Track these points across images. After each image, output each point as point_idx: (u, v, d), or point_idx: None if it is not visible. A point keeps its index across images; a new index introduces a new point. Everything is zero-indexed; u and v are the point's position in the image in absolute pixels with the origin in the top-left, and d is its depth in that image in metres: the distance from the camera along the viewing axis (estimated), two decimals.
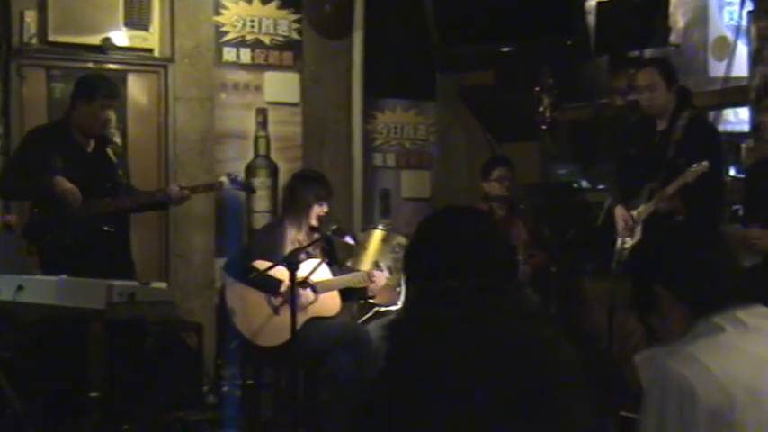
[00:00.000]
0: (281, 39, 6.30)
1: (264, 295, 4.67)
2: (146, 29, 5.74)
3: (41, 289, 4.12)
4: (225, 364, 5.20)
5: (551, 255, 5.30)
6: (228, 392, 5.13)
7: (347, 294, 4.87)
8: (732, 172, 5.41)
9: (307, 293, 4.67)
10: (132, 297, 3.98)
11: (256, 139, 6.22)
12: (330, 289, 4.76)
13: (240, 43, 6.16)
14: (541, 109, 5.63)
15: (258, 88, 6.23)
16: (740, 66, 5.31)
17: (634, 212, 4.75)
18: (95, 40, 5.58)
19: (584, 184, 6.33)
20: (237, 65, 6.16)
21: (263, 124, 6.23)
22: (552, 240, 5.28)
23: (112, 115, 5.15)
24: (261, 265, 4.60)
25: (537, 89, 5.65)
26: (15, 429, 4.24)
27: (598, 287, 5.56)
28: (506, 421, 1.70)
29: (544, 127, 5.69)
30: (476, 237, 1.90)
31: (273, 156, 6.27)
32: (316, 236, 4.78)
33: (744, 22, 5.26)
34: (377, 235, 5.17)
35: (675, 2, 5.65)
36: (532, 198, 5.50)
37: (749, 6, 5.16)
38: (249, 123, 6.21)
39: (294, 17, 6.34)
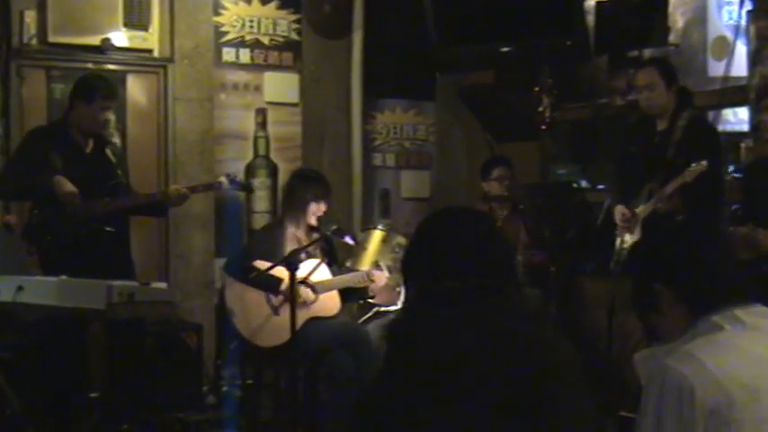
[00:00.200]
0: (280, 39, 6.30)
1: (264, 295, 4.67)
2: (145, 29, 5.74)
3: (41, 289, 4.12)
4: (224, 364, 5.20)
5: (551, 255, 5.30)
6: (228, 393, 5.13)
7: (347, 294, 4.87)
8: (732, 172, 5.40)
9: (307, 292, 4.67)
10: (132, 297, 3.99)
11: (256, 139, 6.22)
12: (330, 289, 4.76)
13: (240, 43, 6.16)
14: (541, 109, 5.64)
15: (258, 88, 6.23)
16: (739, 65, 5.31)
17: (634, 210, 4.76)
18: (95, 40, 5.58)
19: (584, 184, 6.34)
20: (237, 65, 6.16)
21: (262, 124, 6.23)
22: (552, 240, 5.28)
23: (111, 116, 5.15)
24: (261, 265, 4.60)
25: (537, 89, 5.65)
26: (15, 430, 4.24)
27: (598, 287, 5.56)
28: (506, 421, 1.69)
29: (544, 127, 5.69)
30: (475, 237, 1.90)
31: (273, 156, 6.27)
32: (315, 236, 4.79)
33: (743, 22, 5.26)
34: (376, 235, 5.17)
35: (675, 2, 5.65)
36: (532, 198, 5.50)
37: (748, 6, 5.16)
38: (249, 123, 6.21)
39: (293, 17, 6.34)
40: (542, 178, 6.00)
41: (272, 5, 6.27)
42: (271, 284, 4.60)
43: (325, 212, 4.83)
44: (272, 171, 6.26)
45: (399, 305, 4.98)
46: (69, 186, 4.59)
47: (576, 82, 6.10)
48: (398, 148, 6.88)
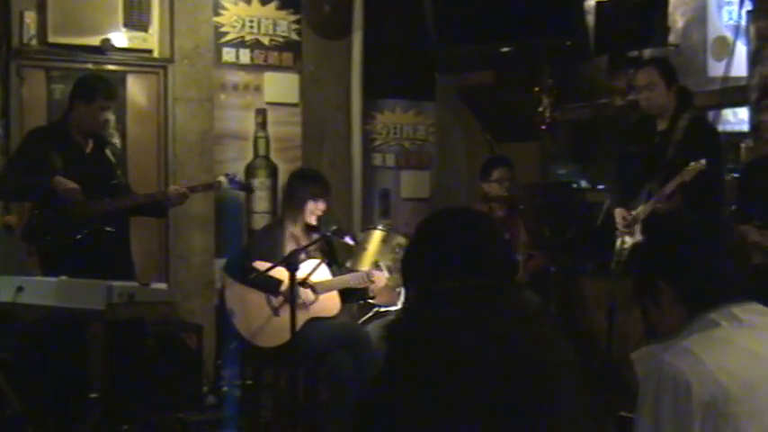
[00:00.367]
0: (280, 39, 6.30)
1: (264, 296, 4.67)
2: (145, 30, 5.74)
3: (41, 290, 4.12)
4: (224, 364, 5.20)
5: (551, 255, 5.30)
6: (228, 393, 5.13)
7: (347, 295, 4.87)
8: (731, 172, 5.40)
9: (307, 293, 4.67)
10: (132, 298, 3.99)
11: (256, 139, 6.22)
12: (330, 289, 4.76)
13: (239, 44, 6.16)
14: (541, 109, 5.65)
15: (257, 89, 6.23)
16: (739, 66, 5.31)
17: (633, 213, 4.76)
18: (95, 40, 5.58)
19: (584, 184, 6.34)
20: (237, 65, 6.16)
21: (262, 125, 6.23)
22: (552, 240, 5.28)
23: (111, 116, 5.15)
24: (261, 265, 4.61)
25: (536, 89, 5.66)
26: (15, 430, 4.24)
27: (598, 287, 5.57)
28: (506, 421, 1.70)
29: (544, 127, 5.70)
30: (475, 237, 1.90)
31: (273, 156, 6.27)
32: (315, 236, 4.79)
33: (743, 22, 5.26)
34: (376, 235, 5.17)
35: (675, 2, 5.65)
36: (532, 198, 5.50)
37: (748, 6, 5.17)
38: (249, 124, 6.21)
39: (293, 18, 6.34)
40: (542, 178, 6.00)
41: (272, 6, 6.27)
42: (270, 286, 4.60)
43: (324, 212, 4.83)
44: (272, 171, 6.26)
45: (399, 305, 4.98)
46: (70, 183, 4.59)
47: (576, 82, 6.10)
48: (398, 149, 6.88)
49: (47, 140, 4.75)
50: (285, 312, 4.43)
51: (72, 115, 4.80)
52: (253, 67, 6.21)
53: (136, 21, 5.70)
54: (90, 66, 5.62)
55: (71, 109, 4.82)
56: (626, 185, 4.90)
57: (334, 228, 4.77)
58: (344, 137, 6.53)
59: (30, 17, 5.42)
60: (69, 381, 4.68)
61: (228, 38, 6.13)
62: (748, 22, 5.08)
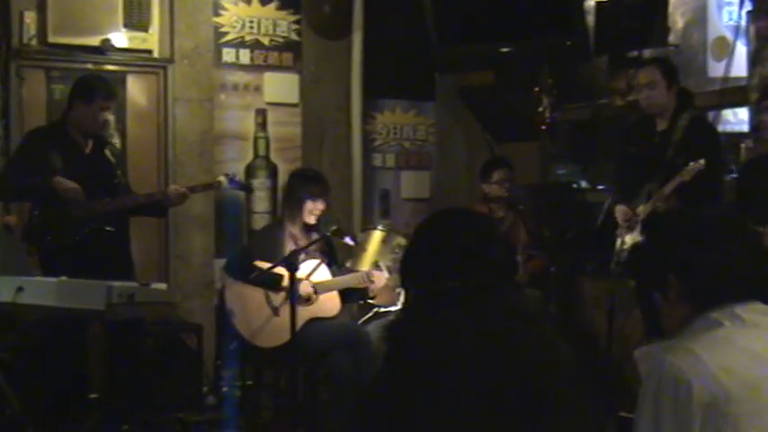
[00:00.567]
0: (280, 39, 6.30)
1: (264, 296, 4.67)
2: (145, 30, 5.74)
3: (41, 290, 4.12)
4: (224, 364, 5.20)
5: (551, 255, 5.30)
6: (228, 393, 5.13)
7: (347, 295, 4.87)
8: (731, 172, 5.40)
9: (306, 285, 4.67)
10: (132, 298, 3.99)
11: (256, 139, 6.22)
12: (330, 290, 4.77)
13: (239, 44, 6.16)
14: (541, 109, 5.64)
15: (257, 89, 6.23)
16: (739, 66, 5.31)
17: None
18: (95, 41, 5.58)
19: (584, 184, 6.33)
20: (237, 65, 6.16)
21: (262, 125, 6.23)
22: (552, 241, 5.28)
23: (111, 116, 5.15)
24: (261, 265, 4.61)
25: (536, 89, 5.65)
26: (15, 430, 4.24)
27: (598, 287, 5.57)
28: (506, 422, 1.70)
29: (544, 127, 5.69)
30: (475, 237, 1.90)
31: (273, 156, 6.27)
32: (315, 236, 4.79)
33: (743, 23, 5.26)
34: (376, 235, 5.17)
35: (674, 2, 5.65)
36: (532, 198, 5.50)
37: (748, 6, 5.17)
38: (248, 124, 6.21)
39: (293, 18, 6.34)
40: (542, 178, 6.00)
41: (272, 6, 6.27)
42: (272, 281, 4.60)
43: (323, 212, 4.83)
44: (272, 172, 6.26)
45: (399, 306, 4.98)
46: (70, 183, 4.59)
47: (575, 82, 6.10)
48: (398, 149, 6.88)
49: (46, 141, 4.75)
50: (285, 312, 4.43)
51: (71, 115, 4.80)
52: (253, 68, 6.21)
53: (136, 21, 5.69)
54: (90, 66, 5.62)
55: (71, 109, 4.82)
56: (626, 185, 4.90)
57: (334, 228, 4.77)
58: (344, 137, 6.53)
59: (30, 17, 5.42)
60: (69, 381, 4.68)
61: (228, 38, 6.13)
62: (748, 22, 5.08)
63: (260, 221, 6.15)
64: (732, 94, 5.31)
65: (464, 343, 1.75)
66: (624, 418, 4.42)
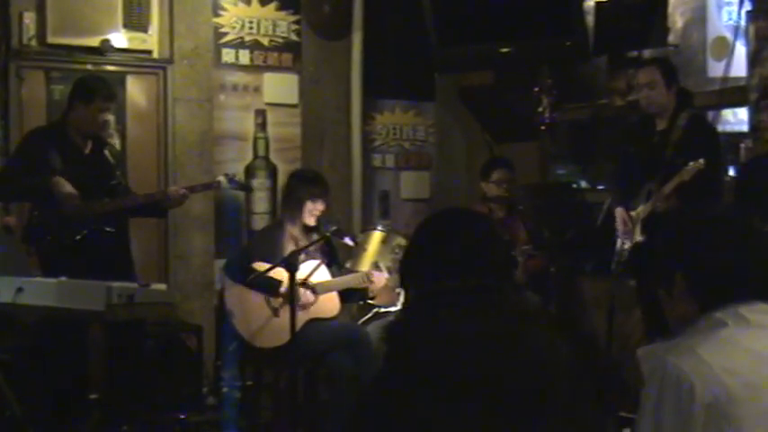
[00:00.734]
0: (279, 40, 6.30)
1: (264, 297, 4.67)
2: (145, 30, 5.74)
3: (41, 291, 4.12)
4: (224, 365, 5.20)
5: (551, 255, 5.30)
6: (228, 394, 5.12)
7: (347, 295, 4.87)
8: (731, 172, 5.40)
9: (306, 294, 4.67)
10: (132, 299, 3.99)
11: (255, 140, 6.22)
12: (329, 290, 4.76)
13: (239, 44, 6.16)
14: (541, 109, 5.64)
15: (257, 89, 6.22)
16: (739, 66, 5.31)
17: (633, 213, 4.76)
18: (94, 41, 5.58)
19: (584, 184, 6.34)
20: (236, 66, 6.16)
21: (262, 125, 6.23)
22: (551, 241, 5.28)
23: (110, 117, 5.15)
24: (260, 266, 4.61)
25: (536, 89, 5.66)
26: (15, 431, 4.24)
27: (598, 288, 5.57)
28: (506, 422, 1.69)
29: (543, 127, 5.69)
30: (474, 237, 1.90)
31: (272, 157, 6.27)
32: (315, 237, 4.79)
33: (742, 23, 5.26)
34: (376, 236, 5.17)
35: (674, 2, 5.65)
36: (532, 198, 5.50)
37: (748, 6, 5.16)
38: (248, 124, 6.21)
39: (293, 18, 6.34)
40: (542, 179, 6.00)
41: (272, 6, 6.27)
42: (270, 286, 4.60)
43: (323, 213, 4.83)
44: (272, 172, 6.26)
45: (399, 306, 4.98)
46: (69, 188, 4.59)
47: (575, 82, 6.10)
48: (398, 149, 6.87)
49: (46, 141, 4.75)
50: (285, 313, 4.43)
51: (71, 116, 4.80)
52: (252, 68, 6.21)
53: (135, 21, 5.69)
54: (89, 66, 5.62)
55: (70, 110, 4.82)
56: (626, 185, 4.91)
57: (334, 228, 4.77)
58: (344, 137, 6.53)
59: (29, 18, 5.42)
60: (69, 381, 4.68)
61: (228, 38, 6.13)
62: (748, 22, 5.08)
63: (260, 222, 6.14)
64: (732, 94, 5.31)
65: (464, 343, 1.75)
66: (624, 418, 4.42)
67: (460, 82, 6.84)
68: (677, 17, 5.74)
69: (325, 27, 6.45)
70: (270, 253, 4.66)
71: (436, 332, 1.77)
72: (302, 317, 4.57)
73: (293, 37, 6.34)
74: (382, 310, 5.11)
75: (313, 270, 4.73)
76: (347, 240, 4.89)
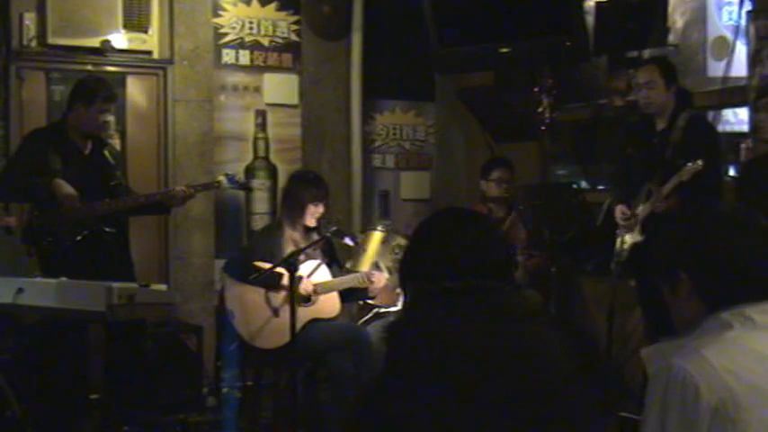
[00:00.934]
0: (279, 40, 6.30)
1: (264, 297, 4.67)
2: (145, 31, 5.74)
3: (41, 291, 4.12)
4: (224, 365, 5.20)
5: (551, 255, 5.30)
6: (228, 394, 5.13)
7: (347, 296, 4.87)
8: (731, 172, 5.40)
9: (306, 285, 4.67)
10: (132, 299, 3.98)
11: (255, 140, 6.22)
12: (330, 290, 4.76)
13: (239, 45, 6.16)
14: (541, 109, 5.64)
15: (257, 90, 6.23)
16: (739, 66, 5.30)
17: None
18: (95, 42, 5.58)
19: (584, 184, 6.33)
20: (236, 66, 6.16)
21: (262, 126, 6.23)
22: (552, 241, 5.28)
23: (111, 117, 5.15)
24: (261, 266, 4.61)
25: (536, 90, 5.65)
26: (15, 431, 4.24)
27: (598, 287, 5.57)
28: (507, 422, 1.69)
29: (543, 127, 5.69)
30: (474, 238, 1.90)
31: (273, 157, 6.27)
32: (315, 237, 4.79)
33: (743, 22, 5.26)
34: (376, 236, 5.17)
35: (674, 2, 5.65)
36: (532, 198, 5.50)
37: (748, 6, 5.16)
38: (248, 125, 6.21)
39: (293, 19, 6.34)
40: (542, 179, 6.00)
41: (272, 7, 6.27)
42: (272, 281, 4.60)
43: (323, 214, 4.83)
44: (272, 172, 6.26)
45: (399, 306, 4.98)
46: (68, 189, 4.59)
47: (575, 82, 6.09)
48: (398, 150, 6.87)
49: (46, 142, 4.76)
50: (285, 313, 4.43)
51: (71, 117, 4.80)
52: (252, 69, 6.21)
53: (135, 22, 5.69)
54: (90, 67, 5.62)
55: (70, 111, 4.82)
56: (626, 185, 4.91)
57: (334, 229, 4.77)
58: (344, 138, 6.53)
59: (29, 19, 5.42)
60: (69, 382, 4.67)
61: (228, 39, 6.13)
62: (748, 22, 5.07)
63: (260, 222, 6.14)
64: (732, 93, 5.31)
65: (464, 343, 1.75)
66: (624, 418, 4.42)
67: (460, 82, 6.84)
68: (677, 17, 5.73)
69: (325, 27, 6.45)
70: (269, 253, 4.66)
71: (436, 333, 1.77)
72: (302, 317, 4.57)
73: (293, 37, 6.34)
74: (382, 310, 5.11)
75: (313, 270, 4.73)
76: (347, 241, 4.89)
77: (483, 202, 5.64)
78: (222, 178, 5.12)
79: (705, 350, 1.80)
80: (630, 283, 5.07)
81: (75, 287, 4.08)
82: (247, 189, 5.84)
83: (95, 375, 4.57)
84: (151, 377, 5.14)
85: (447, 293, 1.82)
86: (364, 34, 6.45)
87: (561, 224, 5.25)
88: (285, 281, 4.49)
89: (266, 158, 6.25)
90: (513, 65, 5.99)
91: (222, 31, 6.11)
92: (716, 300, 1.88)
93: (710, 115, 5.53)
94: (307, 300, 4.69)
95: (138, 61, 5.81)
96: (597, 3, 5.68)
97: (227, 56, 6.13)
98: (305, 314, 4.64)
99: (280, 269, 4.50)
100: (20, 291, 4.08)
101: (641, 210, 4.71)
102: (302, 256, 4.65)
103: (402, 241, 5.05)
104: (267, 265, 4.54)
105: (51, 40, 5.48)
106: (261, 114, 6.23)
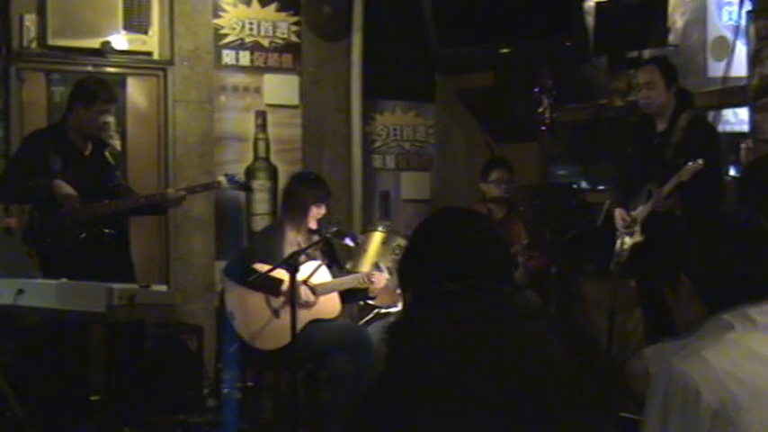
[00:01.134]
0: (280, 41, 6.30)
1: (264, 298, 4.67)
2: (145, 32, 5.74)
3: (41, 292, 4.12)
4: (225, 366, 5.20)
5: (551, 255, 5.30)
6: (228, 395, 5.12)
7: (347, 296, 4.87)
8: (732, 172, 5.40)
9: (307, 292, 4.67)
10: (132, 300, 3.98)
11: (256, 141, 6.22)
12: (330, 291, 4.76)
13: (239, 46, 6.16)
14: (541, 110, 5.64)
15: (257, 91, 6.23)
16: (739, 66, 5.30)
17: (633, 213, 4.76)
18: (95, 43, 5.58)
19: (584, 185, 6.33)
20: (237, 67, 6.16)
21: (262, 126, 6.23)
22: (552, 241, 5.28)
23: (111, 118, 5.15)
24: (261, 268, 4.61)
25: (536, 90, 5.65)
26: None
27: (598, 288, 5.57)
28: (507, 422, 1.69)
29: (544, 128, 5.69)
30: (474, 238, 1.90)
31: (273, 158, 6.27)
32: (315, 238, 4.79)
33: (743, 22, 5.26)
34: (377, 237, 5.17)
35: (674, 2, 5.65)
36: (532, 199, 5.50)
37: (748, 6, 5.16)
38: (248, 126, 6.21)
39: (293, 19, 6.34)
40: (542, 179, 6.00)
41: (272, 7, 6.27)
42: (271, 286, 4.60)
43: (324, 215, 4.83)
44: (272, 173, 6.26)
45: (400, 307, 4.98)
46: (69, 189, 4.59)
47: (575, 83, 6.10)
48: (398, 150, 6.87)
49: (46, 143, 4.76)
50: (285, 314, 4.43)
51: (71, 118, 4.80)
52: (252, 69, 6.21)
53: (136, 23, 5.69)
54: (90, 68, 5.62)
55: (70, 112, 4.82)
56: (626, 186, 4.91)
57: (335, 229, 4.77)
58: (344, 138, 6.53)
59: (29, 20, 5.42)
60: (70, 383, 4.68)
61: (228, 40, 6.13)
62: (748, 22, 5.07)
63: (260, 223, 6.14)
64: (732, 94, 5.31)
65: (464, 344, 1.74)
66: (624, 418, 4.42)
67: (460, 83, 6.84)
68: (677, 17, 5.73)
69: (326, 28, 6.45)
70: (270, 254, 4.66)
71: (437, 333, 1.77)
72: (303, 318, 4.57)
73: (293, 38, 6.34)
74: (383, 310, 5.11)
75: (314, 271, 4.73)
76: (348, 241, 4.89)
77: (483, 203, 5.64)
78: (222, 179, 5.12)
79: (706, 352, 1.80)
80: (631, 284, 5.07)
81: (75, 288, 4.08)
82: (248, 190, 5.85)
83: (96, 376, 4.57)
84: (151, 378, 5.13)
85: (447, 294, 1.82)
86: (364, 35, 6.45)
87: (561, 225, 5.25)
88: (284, 287, 4.50)
89: (266, 159, 6.25)
90: (514, 65, 5.99)
91: (222, 31, 6.11)
92: (717, 301, 1.88)
93: (710, 115, 5.52)
94: (306, 305, 4.68)
95: (139, 62, 5.81)
96: (597, 3, 5.68)
97: (228, 57, 6.13)
98: (305, 315, 4.64)
99: (279, 273, 4.49)
100: (20, 292, 4.08)
101: (641, 210, 4.71)
102: (303, 257, 4.64)
103: (402, 242, 5.05)
104: (267, 268, 4.54)
105: (51, 42, 5.48)
106: (261, 115, 6.23)
